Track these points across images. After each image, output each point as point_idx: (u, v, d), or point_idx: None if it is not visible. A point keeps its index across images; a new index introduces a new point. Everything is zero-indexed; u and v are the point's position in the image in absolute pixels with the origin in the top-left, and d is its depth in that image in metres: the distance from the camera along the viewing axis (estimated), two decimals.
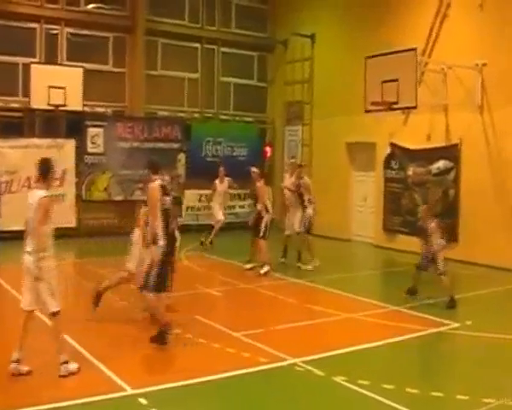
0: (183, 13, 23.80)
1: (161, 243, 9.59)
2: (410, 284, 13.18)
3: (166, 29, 23.23)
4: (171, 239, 10.28)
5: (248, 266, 15.88)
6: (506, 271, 15.94)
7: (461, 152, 17.91)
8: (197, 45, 24.30)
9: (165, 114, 23.48)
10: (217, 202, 19.73)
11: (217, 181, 19.59)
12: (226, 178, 19.65)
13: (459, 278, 16.24)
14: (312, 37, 23.48)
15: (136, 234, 10.81)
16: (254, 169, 16.02)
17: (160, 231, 9.59)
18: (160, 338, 9.59)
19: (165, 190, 9.89)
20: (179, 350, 9.63)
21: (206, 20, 24.31)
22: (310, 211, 16.41)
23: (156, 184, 9.77)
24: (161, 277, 9.74)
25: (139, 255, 10.53)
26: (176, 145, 23.08)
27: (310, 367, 8.74)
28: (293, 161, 18.69)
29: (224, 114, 25.05)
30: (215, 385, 8.13)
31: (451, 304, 12.44)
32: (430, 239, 12.78)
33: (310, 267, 16.16)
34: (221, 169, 19.57)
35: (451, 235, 18.03)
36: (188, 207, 23.01)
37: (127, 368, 8.59)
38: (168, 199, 9.94)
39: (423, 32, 18.52)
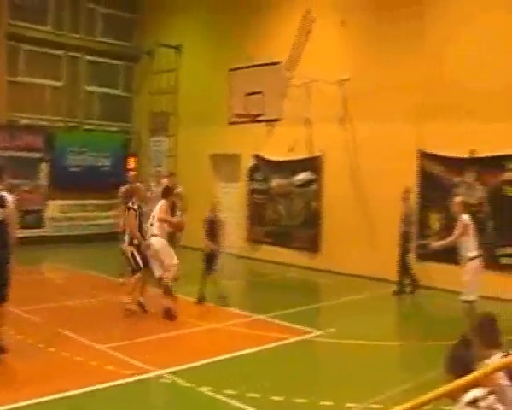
0: (46, 19, 23.10)
1: None
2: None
3: (29, 34, 22.44)
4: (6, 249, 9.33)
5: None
6: (366, 279, 16.48)
7: (323, 164, 18.40)
8: (61, 53, 23.66)
9: (28, 122, 22.68)
10: None
11: None
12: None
13: (322, 287, 16.68)
14: (178, 48, 23.43)
15: None
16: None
17: None
18: None
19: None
20: (40, 364, 9.27)
21: (70, 28, 23.70)
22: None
23: None
24: None
25: None
26: (38, 155, 22.33)
27: (175, 378, 8.65)
28: (159, 169, 18.52)
29: (89, 124, 24.52)
30: (76, 400, 7.87)
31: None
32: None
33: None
34: None
35: (314, 245, 18.52)
36: (50, 218, 22.31)
37: None
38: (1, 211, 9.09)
39: (288, 47, 18.87)
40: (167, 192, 12.87)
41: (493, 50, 14.96)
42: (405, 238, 15.22)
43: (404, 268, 15.28)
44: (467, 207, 11.98)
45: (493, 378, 4.49)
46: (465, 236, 11.36)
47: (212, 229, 13.65)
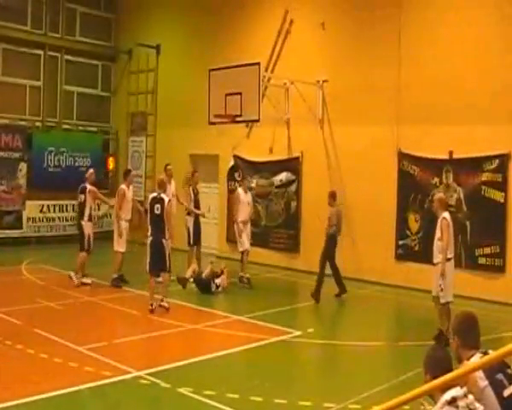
0: (25, 18, 22.92)
1: None
2: None
3: (8, 34, 22.26)
4: None
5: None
6: (344, 279, 16.51)
7: (302, 165, 18.45)
8: (40, 52, 23.49)
9: (6, 122, 22.47)
10: None
11: None
12: None
13: (301, 288, 16.70)
14: (157, 48, 23.38)
15: None
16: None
17: None
18: None
19: None
20: (19, 366, 9.21)
21: (49, 27, 23.53)
22: None
23: None
24: None
25: None
26: (17, 154, 22.13)
27: (155, 379, 8.62)
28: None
29: (67, 124, 24.37)
30: (56, 402, 7.84)
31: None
32: None
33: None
34: None
35: (293, 246, 18.57)
36: (29, 219, 22.15)
37: None
38: None
39: (267, 48, 18.90)
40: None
41: (470, 52, 15.09)
42: (332, 242, 14.96)
43: (333, 270, 14.96)
44: (446, 205, 11.93)
45: (472, 378, 4.53)
46: (447, 238, 11.16)
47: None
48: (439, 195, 12.40)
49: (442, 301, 11.10)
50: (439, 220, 11.31)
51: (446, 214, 11.34)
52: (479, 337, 5.03)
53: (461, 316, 5.21)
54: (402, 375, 8.96)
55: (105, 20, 25.25)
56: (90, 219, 15.37)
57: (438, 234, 11.26)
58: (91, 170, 16.39)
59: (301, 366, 10.19)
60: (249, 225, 16.49)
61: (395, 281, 15.93)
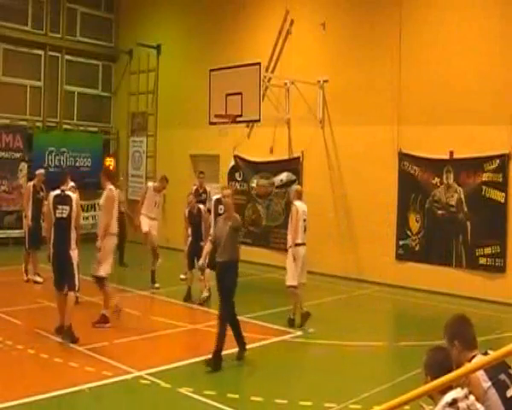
0: (26, 18, 22.92)
1: None
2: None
3: (8, 34, 22.26)
4: None
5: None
6: (345, 279, 16.57)
7: (302, 165, 18.44)
8: (41, 52, 23.48)
9: (7, 122, 22.46)
10: None
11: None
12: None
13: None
14: (158, 48, 23.37)
15: None
16: None
17: None
18: None
19: None
20: (20, 366, 9.23)
21: (50, 27, 23.52)
22: None
23: None
24: None
25: None
26: (17, 155, 22.12)
27: (155, 379, 8.63)
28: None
29: (68, 124, 24.37)
30: (57, 402, 7.85)
31: None
32: None
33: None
34: None
35: None
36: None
37: None
38: None
39: (267, 48, 18.90)
40: None
41: (470, 52, 15.08)
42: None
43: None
44: (300, 195, 12.45)
45: (474, 379, 4.52)
46: (295, 224, 11.94)
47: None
48: (296, 187, 13.50)
49: (286, 283, 12.01)
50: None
51: (297, 202, 12.14)
52: (475, 337, 5.02)
53: (455, 319, 5.16)
54: (402, 375, 8.96)
55: (105, 20, 25.25)
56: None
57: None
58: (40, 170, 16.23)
59: (302, 367, 10.18)
60: None
61: (395, 281, 15.92)
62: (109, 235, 11.56)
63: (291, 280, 11.97)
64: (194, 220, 14.46)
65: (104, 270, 11.49)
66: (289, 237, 12.12)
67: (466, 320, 5.13)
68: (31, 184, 15.74)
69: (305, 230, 12.20)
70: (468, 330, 5.03)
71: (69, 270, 10.54)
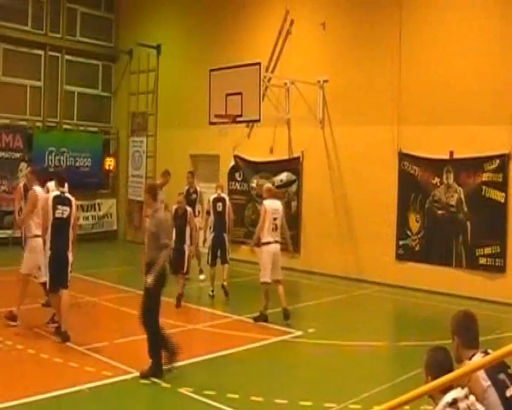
0: (26, 18, 22.90)
1: None
2: None
3: (8, 34, 22.24)
4: None
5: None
6: (345, 279, 16.56)
7: (302, 165, 18.44)
8: (41, 52, 23.46)
9: (7, 122, 22.45)
10: None
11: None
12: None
13: (301, 288, 16.71)
14: (158, 48, 23.37)
15: None
16: None
17: None
18: None
19: None
20: (20, 366, 9.22)
21: (50, 27, 23.50)
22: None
23: None
24: None
25: None
26: (17, 155, 22.10)
27: (155, 379, 8.61)
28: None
29: (68, 124, 24.36)
30: (56, 402, 7.85)
31: None
32: None
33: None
34: None
35: (293, 245, 18.53)
36: None
37: None
38: None
39: (267, 48, 18.90)
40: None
41: (470, 52, 15.09)
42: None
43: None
44: (272, 194, 12.73)
45: (474, 378, 4.52)
46: (262, 223, 12.21)
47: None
48: (266, 185, 13.63)
49: (260, 280, 12.31)
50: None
51: (266, 201, 12.37)
52: (478, 336, 5.01)
53: (460, 315, 5.16)
54: (402, 375, 8.95)
55: (105, 20, 25.24)
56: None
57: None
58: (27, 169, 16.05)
59: (302, 366, 10.18)
60: None
61: (395, 281, 15.92)
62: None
63: (263, 277, 12.26)
64: (177, 221, 13.64)
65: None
66: (255, 236, 12.61)
67: (470, 317, 5.10)
68: (21, 184, 15.60)
69: (276, 228, 12.31)
70: (470, 328, 5.00)
71: (66, 270, 10.65)
